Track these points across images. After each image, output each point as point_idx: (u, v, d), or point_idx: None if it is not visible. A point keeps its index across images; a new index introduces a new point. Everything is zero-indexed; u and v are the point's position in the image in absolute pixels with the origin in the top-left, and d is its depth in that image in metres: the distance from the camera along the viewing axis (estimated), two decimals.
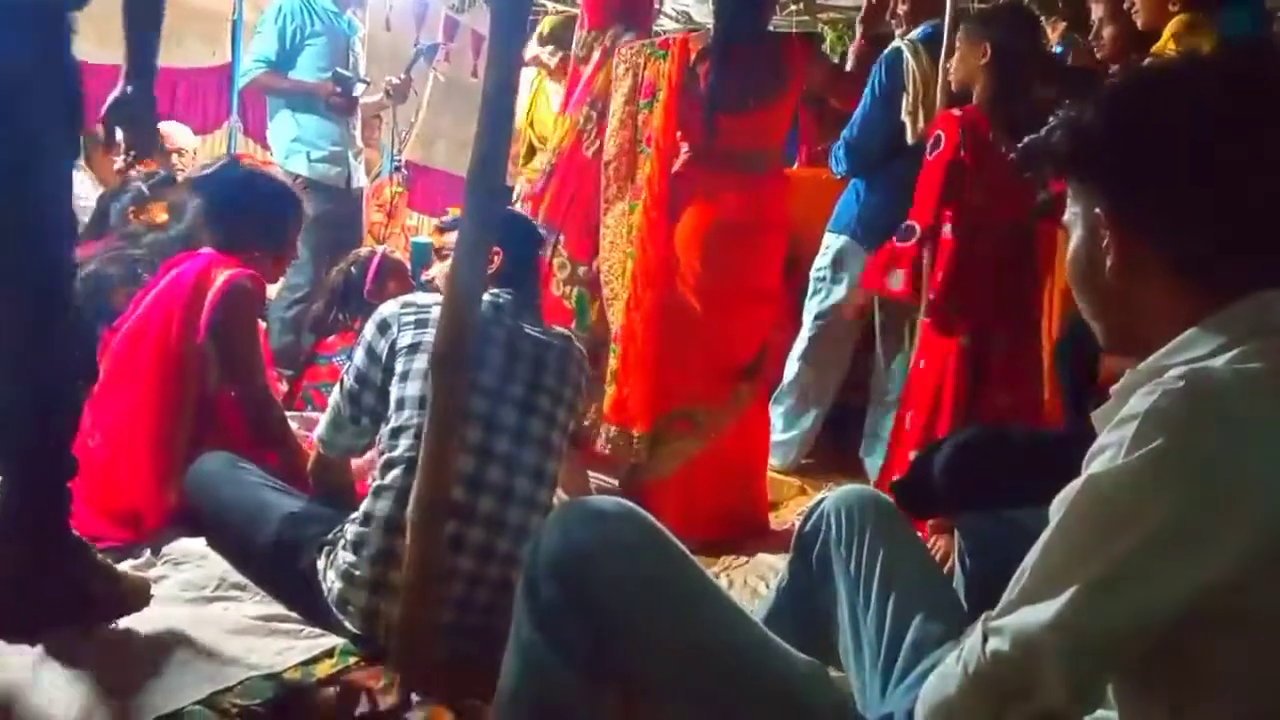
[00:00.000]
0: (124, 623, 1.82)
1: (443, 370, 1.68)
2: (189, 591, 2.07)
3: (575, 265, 3.27)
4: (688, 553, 1.24)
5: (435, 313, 1.97)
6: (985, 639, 0.96)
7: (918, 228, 2.77)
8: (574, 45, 3.43)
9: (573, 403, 2.13)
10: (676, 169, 2.91)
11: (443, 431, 1.70)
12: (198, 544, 2.21)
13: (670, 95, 2.90)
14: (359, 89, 4.06)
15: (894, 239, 2.86)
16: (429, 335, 1.92)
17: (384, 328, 2.03)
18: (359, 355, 2.06)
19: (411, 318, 2.01)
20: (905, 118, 3.25)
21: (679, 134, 2.92)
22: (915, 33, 3.34)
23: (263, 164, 4.88)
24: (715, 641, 1.19)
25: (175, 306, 2.33)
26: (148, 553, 2.20)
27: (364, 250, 3.60)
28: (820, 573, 1.53)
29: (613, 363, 2.97)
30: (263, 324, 2.75)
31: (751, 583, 2.61)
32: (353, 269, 3.36)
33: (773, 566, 2.66)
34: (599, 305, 3.23)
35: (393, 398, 1.98)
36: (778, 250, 3.04)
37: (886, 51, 3.40)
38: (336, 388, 2.12)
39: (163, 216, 3.16)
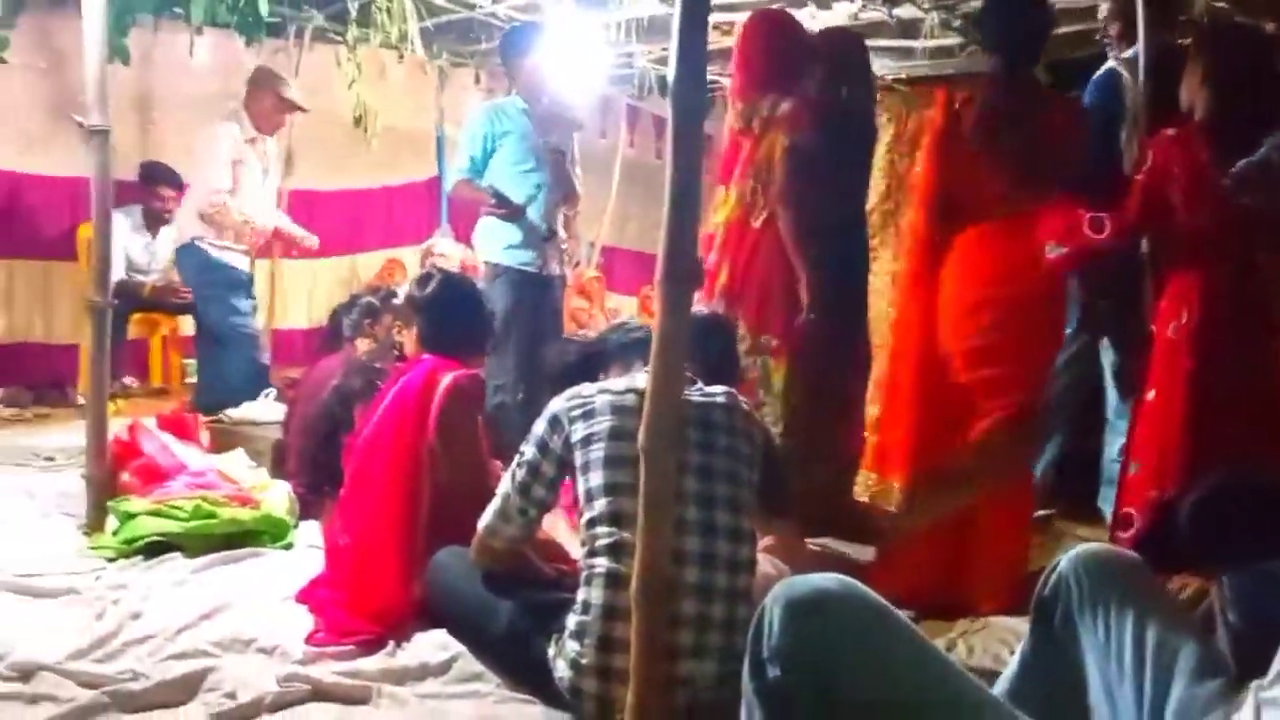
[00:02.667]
0: (362, 713, 1.94)
1: (651, 457, 1.70)
2: (428, 682, 2.17)
3: (756, 335, 3.28)
4: (914, 628, 1.21)
5: (599, 402, 2.07)
6: (1259, 711, 0.88)
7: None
8: (731, 117, 3.46)
9: (751, 457, 2.13)
10: (937, 220, 2.80)
11: (657, 515, 1.72)
12: (439, 635, 2.32)
13: (933, 143, 2.81)
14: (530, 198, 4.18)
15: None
16: (599, 425, 2.03)
17: (555, 423, 2.11)
18: (530, 450, 2.14)
19: (580, 411, 2.08)
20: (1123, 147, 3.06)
21: (942, 182, 2.81)
22: (1129, 52, 3.16)
23: (464, 265, 5.20)
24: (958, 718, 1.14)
25: (407, 411, 2.51)
26: (392, 645, 2.32)
27: (569, 338, 3.72)
28: (1065, 639, 1.44)
29: (873, 411, 2.90)
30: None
31: (992, 649, 2.48)
32: (557, 358, 3.48)
33: (1013, 630, 2.52)
34: (784, 372, 3.22)
35: (580, 490, 2.05)
36: (1049, 307, 2.86)
37: (1099, 74, 3.25)
38: (506, 480, 2.20)
39: (396, 328, 3.40)
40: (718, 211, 3.49)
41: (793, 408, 3.26)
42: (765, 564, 2.21)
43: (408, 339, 3.17)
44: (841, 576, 1.27)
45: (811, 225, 3.22)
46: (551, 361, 3.50)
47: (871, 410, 2.94)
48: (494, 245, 4.10)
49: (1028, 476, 3.00)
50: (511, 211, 3.97)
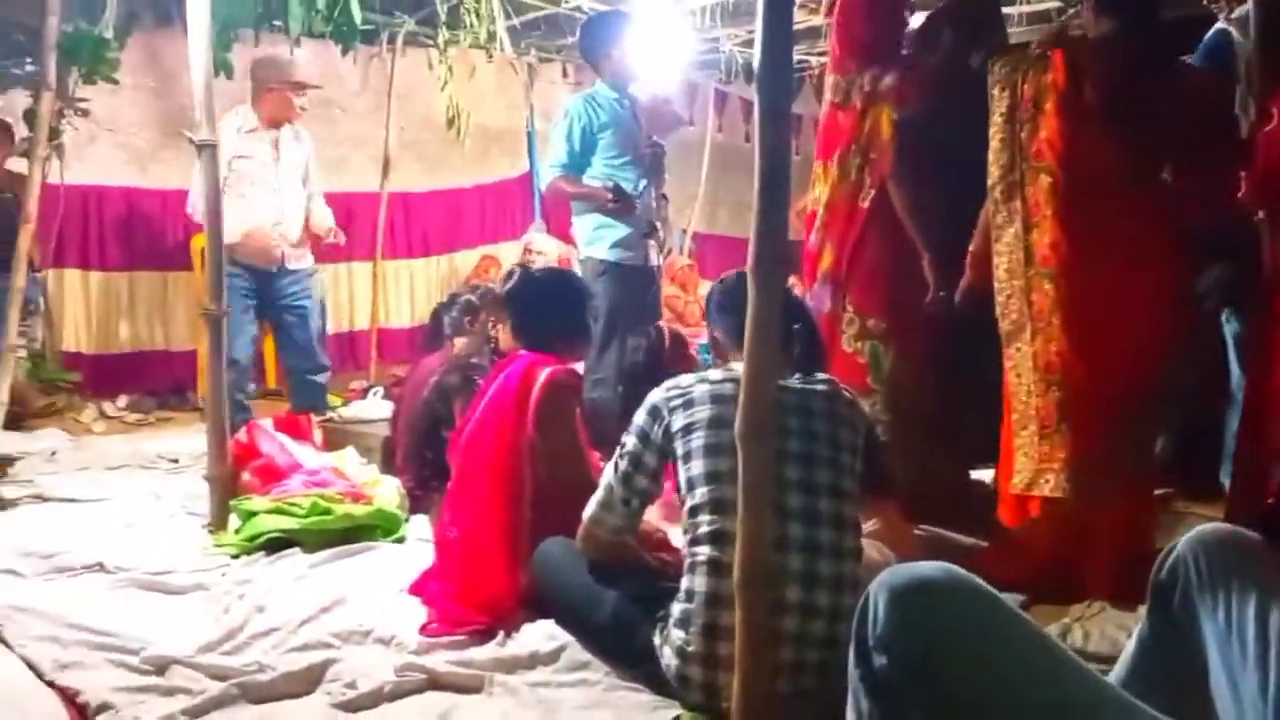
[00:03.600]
0: (476, 702, 2.00)
1: (748, 444, 1.70)
2: (538, 671, 2.22)
3: (864, 319, 3.22)
4: (1025, 616, 1.18)
5: (698, 392, 2.08)
6: None
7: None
8: (828, 90, 3.38)
9: (854, 444, 2.12)
10: (1063, 189, 2.65)
11: (755, 502, 1.72)
12: (546, 625, 2.37)
13: (1055, 107, 2.65)
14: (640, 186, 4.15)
15: None
16: (699, 414, 2.05)
17: (655, 413, 2.13)
18: (631, 441, 2.17)
19: (679, 400, 2.10)
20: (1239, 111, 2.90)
21: (1067, 149, 2.65)
22: (1239, 11, 3.00)
23: (561, 260, 5.21)
24: (1070, 711, 1.12)
25: (506, 407, 2.56)
26: (502, 635, 2.38)
27: (651, 328, 3.73)
28: (1185, 625, 1.38)
29: (1045, 399, 2.69)
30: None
31: (1109, 634, 2.40)
32: (643, 347, 3.49)
33: (1131, 615, 2.44)
34: (894, 356, 3.15)
35: (681, 479, 2.07)
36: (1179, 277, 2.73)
37: (1210, 35, 3.09)
38: (609, 470, 2.23)
39: (491, 324, 3.46)
40: (814, 189, 3.41)
41: (903, 393, 3.20)
42: (871, 551, 2.19)
43: (502, 335, 3.22)
44: (947, 564, 1.25)
45: (930, 201, 3.14)
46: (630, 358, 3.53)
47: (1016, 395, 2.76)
48: (595, 241, 4.09)
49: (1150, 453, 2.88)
50: (627, 206, 3.96)
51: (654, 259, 4.26)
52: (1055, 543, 2.73)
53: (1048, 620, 2.47)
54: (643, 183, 4.13)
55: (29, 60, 4.92)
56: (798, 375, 2.14)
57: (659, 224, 4.30)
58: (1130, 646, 1.50)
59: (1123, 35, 2.66)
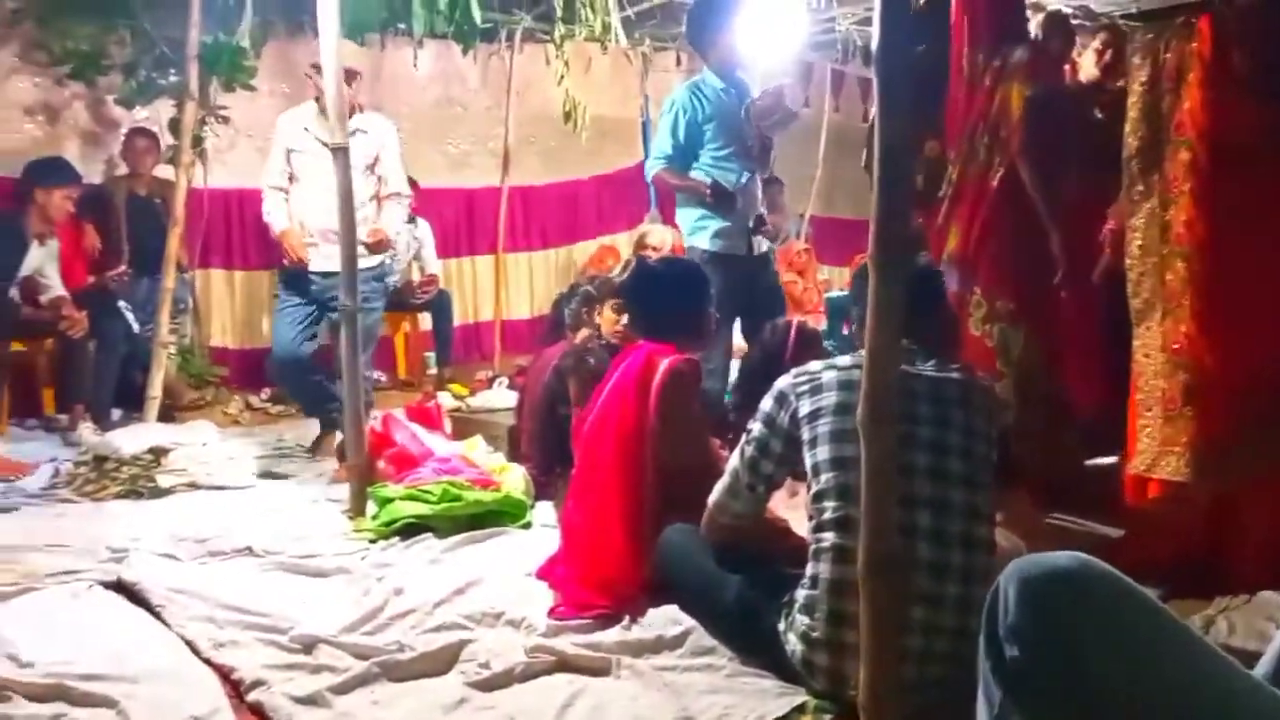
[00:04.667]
0: (604, 684, 2.04)
1: (870, 430, 1.69)
2: (664, 655, 2.26)
3: (993, 301, 3.13)
4: (1163, 606, 1.15)
5: (826, 378, 2.07)
6: None
7: None
8: (961, 70, 3.30)
9: (987, 432, 2.08)
10: (1203, 164, 2.53)
11: (879, 489, 1.71)
12: (670, 610, 2.40)
13: (1201, 76, 2.52)
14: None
15: None
16: (825, 400, 2.04)
17: (782, 400, 2.13)
18: (758, 427, 2.17)
19: (806, 386, 2.09)
20: None
21: (1211, 123, 2.53)
22: None
23: (676, 249, 5.20)
24: (1211, 704, 1.08)
25: (628, 396, 2.60)
26: (627, 619, 2.42)
27: (780, 322, 3.70)
28: None
29: (1171, 381, 2.60)
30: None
31: (1257, 626, 2.29)
32: (769, 341, 3.46)
33: None
34: (1024, 338, 3.06)
35: (807, 465, 2.06)
36: None
37: None
38: (735, 456, 2.23)
39: (608, 314, 3.50)
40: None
41: (1034, 377, 3.11)
42: (1001, 540, 2.14)
43: (603, 323, 3.26)
44: (1080, 554, 1.22)
45: (1060, 179, 3.04)
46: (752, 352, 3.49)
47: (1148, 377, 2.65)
48: (697, 231, 4.09)
49: None
50: (726, 202, 3.94)
51: (761, 248, 4.21)
52: (1195, 532, 2.61)
53: (1190, 612, 2.38)
54: (746, 175, 4.08)
55: (172, 71, 5.20)
56: (933, 362, 2.11)
57: (766, 214, 4.25)
58: (1278, 638, 1.44)
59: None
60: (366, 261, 4.03)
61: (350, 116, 3.87)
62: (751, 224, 4.10)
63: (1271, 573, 2.46)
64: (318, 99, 4.18)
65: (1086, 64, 3.61)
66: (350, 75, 4.03)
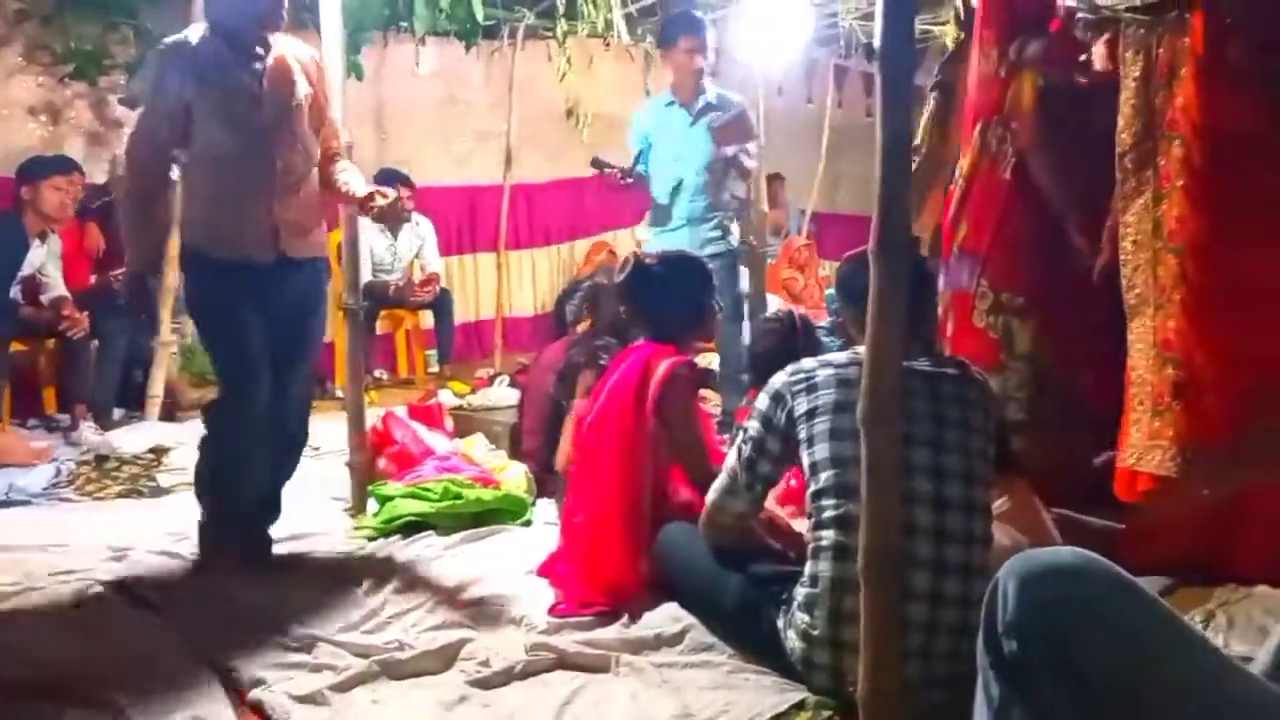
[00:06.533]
0: (604, 681, 2.04)
1: (871, 428, 1.68)
2: (663, 652, 2.25)
3: (999, 294, 3.12)
4: (1162, 602, 1.14)
5: (821, 376, 2.06)
6: None
7: None
8: (972, 64, 3.28)
9: (985, 428, 2.07)
10: (1196, 160, 2.51)
11: (880, 487, 1.70)
12: (670, 608, 2.39)
13: (1193, 70, 2.51)
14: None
15: None
16: (823, 398, 2.04)
17: (778, 398, 2.12)
18: (754, 425, 2.16)
19: (802, 384, 2.09)
20: None
21: (1204, 118, 2.50)
22: None
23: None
24: (1201, 700, 1.07)
25: (626, 398, 2.58)
26: (626, 617, 2.42)
27: (781, 312, 3.70)
28: None
29: (1159, 376, 2.58)
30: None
31: (1257, 619, 2.29)
32: (778, 329, 3.45)
33: None
34: (1030, 331, 3.05)
35: (805, 464, 2.05)
36: None
37: None
38: (732, 455, 2.22)
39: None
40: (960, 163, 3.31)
41: (1041, 371, 3.10)
42: (1001, 535, 2.14)
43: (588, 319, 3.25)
44: (1079, 549, 1.22)
45: (1072, 170, 3.02)
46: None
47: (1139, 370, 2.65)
48: (654, 230, 4.29)
49: None
50: (638, 186, 4.10)
51: (721, 246, 4.24)
52: (1197, 526, 2.61)
53: (1190, 605, 2.37)
54: (687, 187, 4.16)
55: None
56: (926, 358, 2.10)
57: (731, 227, 4.34)
58: (1277, 633, 1.44)
59: None
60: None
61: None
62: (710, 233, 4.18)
63: (1272, 566, 2.45)
64: None
65: (1097, 57, 3.59)
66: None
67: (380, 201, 2.89)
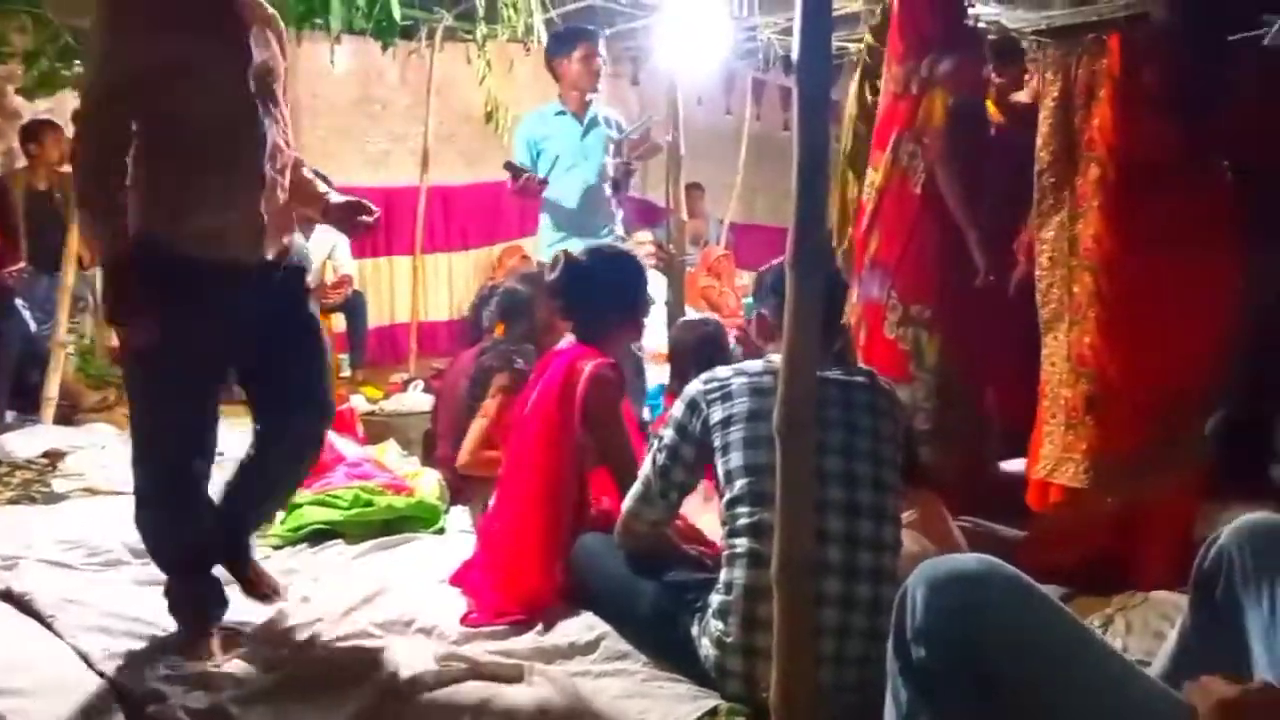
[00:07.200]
0: (520, 690, 2.02)
1: (787, 437, 1.70)
2: (577, 661, 2.24)
3: (908, 306, 3.19)
4: (1063, 607, 1.18)
5: (736, 384, 2.08)
6: None
7: None
8: (888, 81, 3.36)
9: (894, 436, 2.11)
10: (1111, 180, 2.59)
11: (794, 494, 1.71)
12: (585, 616, 2.38)
13: (1111, 93, 2.58)
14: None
15: None
16: (737, 406, 2.06)
17: (693, 406, 2.13)
18: (669, 434, 2.17)
19: (717, 393, 2.10)
20: None
21: (1127, 140, 2.58)
22: None
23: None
24: (1101, 702, 1.11)
25: (550, 402, 2.56)
26: (541, 626, 2.40)
27: (696, 319, 3.72)
28: (1227, 614, 1.37)
29: (1074, 390, 2.66)
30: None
31: (1153, 624, 2.38)
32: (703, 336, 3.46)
33: (1176, 604, 2.40)
34: (938, 343, 3.12)
35: (719, 472, 2.07)
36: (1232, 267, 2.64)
37: None
38: (647, 464, 2.23)
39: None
40: (870, 177, 3.37)
41: (947, 382, 3.17)
42: (910, 542, 2.18)
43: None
44: (985, 556, 1.25)
45: (979, 186, 3.10)
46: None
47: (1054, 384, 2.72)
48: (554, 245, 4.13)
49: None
50: (527, 189, 4.00)
51: None
52: (1096, 534, 2.70)
53: (1089, 611, 2.45)
54: (583, 195, 4.13)
55: (77, 62, 5.00)
56: (837, 368, 2.13)
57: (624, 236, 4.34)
58: (1172, 637, 1.49)
59: (1186, 17, 2.57)
60: None
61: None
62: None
63: (1168, 573, 2.55)
64: None
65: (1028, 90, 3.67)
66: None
67: (367, 220, 2.48)
